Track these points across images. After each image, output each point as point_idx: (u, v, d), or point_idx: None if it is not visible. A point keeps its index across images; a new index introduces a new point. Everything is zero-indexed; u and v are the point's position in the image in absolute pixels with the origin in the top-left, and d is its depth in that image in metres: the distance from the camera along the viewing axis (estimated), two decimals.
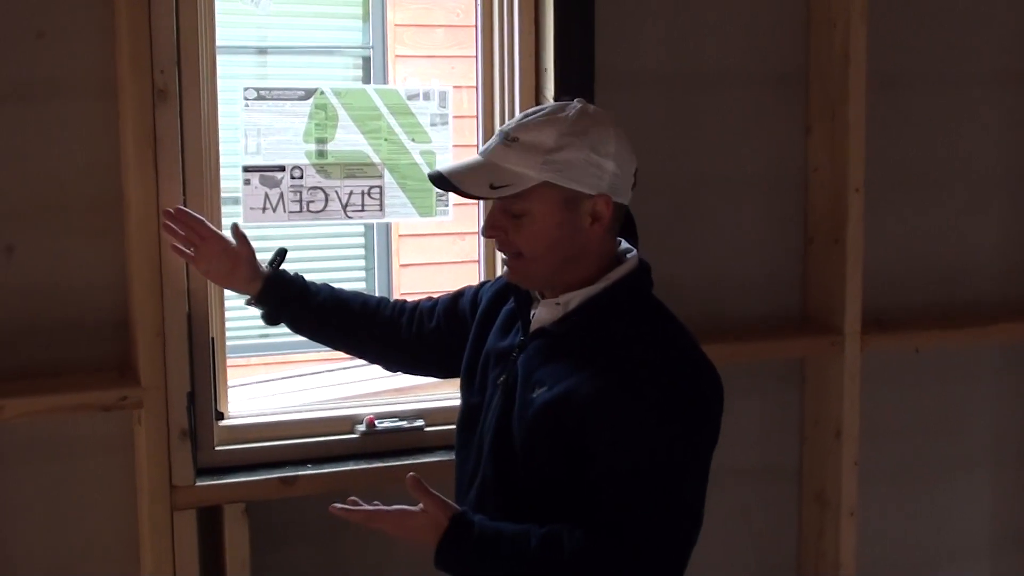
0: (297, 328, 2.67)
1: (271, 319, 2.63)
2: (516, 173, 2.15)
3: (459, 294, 2.62)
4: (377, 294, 2.97)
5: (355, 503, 2.24)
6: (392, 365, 2.77)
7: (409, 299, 2.71)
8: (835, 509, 3.40)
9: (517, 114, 2.95)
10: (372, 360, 2.77)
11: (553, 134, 2.16)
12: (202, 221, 2.62)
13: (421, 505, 2.17)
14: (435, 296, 2.67)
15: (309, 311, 2.63)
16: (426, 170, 2.97)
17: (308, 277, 2.68)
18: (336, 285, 2.70)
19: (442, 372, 2.72)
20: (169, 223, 2.61)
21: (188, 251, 2.62)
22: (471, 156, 2.25)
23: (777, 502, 3.54)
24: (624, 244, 2.33)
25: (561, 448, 2.16)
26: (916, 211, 3.58)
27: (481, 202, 3.10)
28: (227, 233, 2.64)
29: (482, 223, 2.23)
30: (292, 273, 2.64)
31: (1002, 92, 3.64)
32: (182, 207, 2.64)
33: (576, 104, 2.23)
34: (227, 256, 2.61)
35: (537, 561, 2.11)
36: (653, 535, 2.10)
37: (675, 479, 2.12)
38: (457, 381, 2.54)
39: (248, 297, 2.64)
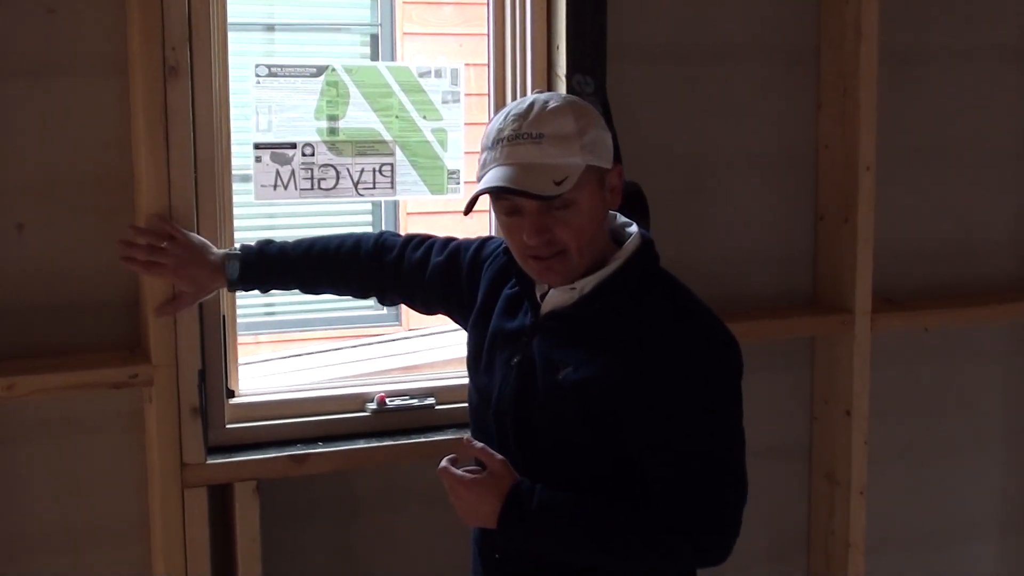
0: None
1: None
2: (565, 165, 2.12)
3: (455, 256, 2.56)
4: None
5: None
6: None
7: (383, 240, 2.67)
8: (845, 488, 3.40)
9: (529, 91, 2.96)
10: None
11: (570, 120, 2.16)
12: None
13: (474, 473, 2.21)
14: (418, 243, 2.62)
15: (287, 288, 2.69)
16: (437, 148, 2.97)
17: None
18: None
19: (422, 311, 2.72)
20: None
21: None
22: (498, 166, 2.15)
23: (787, 481, 3.54)
24: (621, 218, 2.33)
25: (591, 428, 2.18)
26: (927, 189, 3.57)
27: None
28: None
29: (525, 232, 2.15)
30: (252, 263, 2.62)
31: (1015, 67, 3.63)
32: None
33: (540, 94, 2.23)
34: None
35: (599, 530, 2.14)
36: (714, 505, 2.15)
37: (723, 446, 2.18)
38: (463, 359, 2.53)
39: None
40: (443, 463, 2.25)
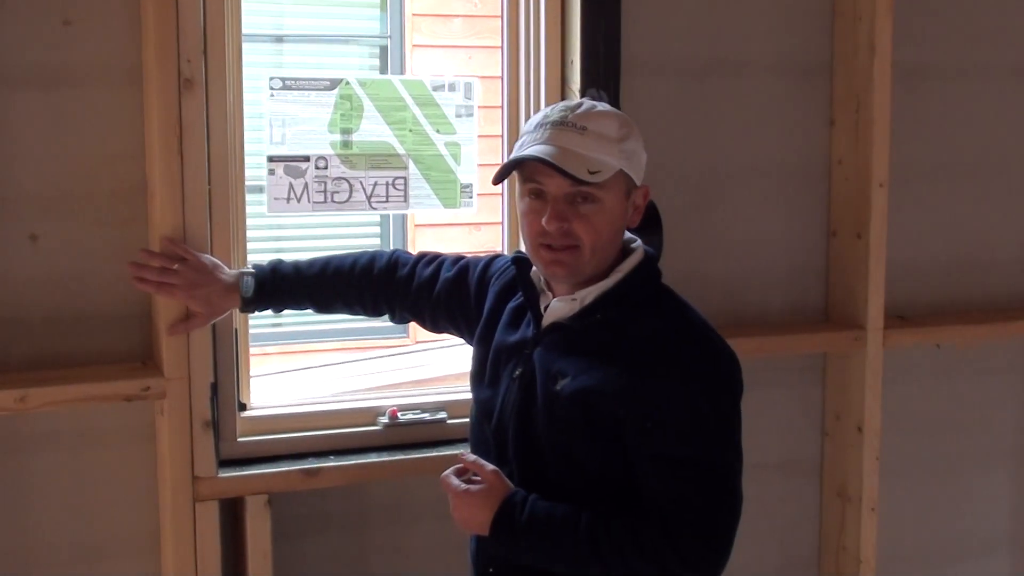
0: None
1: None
2: (602, 160, 2.18)
3: (464, 272, 2.59)
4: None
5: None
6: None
7: (396, 257, 2.68)
8: (856, 504, 3.39)
9: (543, 106, 2.96)
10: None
11: (615, 125, 2.22)
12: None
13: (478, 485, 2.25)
14: (429, 261, 2.64)
15: (300, 307, 2.70)
16: (451, 162, 2.98)
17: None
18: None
19: (430, 328, 2.73)
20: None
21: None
22: (539, 144, 2.19)
23: (799, 497, 3.53)
24: (627, 234, 2.35)
25: (592, 437, 2.20)
26: (939, 205, 3.56)
27: (504, 194, 3.10)
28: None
29: (545, 214, 2.18)
30: (266, 281, 2.62)
31: None
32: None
33: (589, 100, 2.29)
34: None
35: (588, 541, 2.15)
36: (704, 517, 2.15)
37: (719, 459, 2.18)
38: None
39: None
40: (447, 471, 2.30)
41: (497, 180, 2.28)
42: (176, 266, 2.59)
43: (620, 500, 2.19)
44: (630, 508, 2.17)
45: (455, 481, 2.27)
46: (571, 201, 2.18)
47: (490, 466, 2.25)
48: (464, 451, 2.35)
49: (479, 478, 2.26)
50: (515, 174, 2.26)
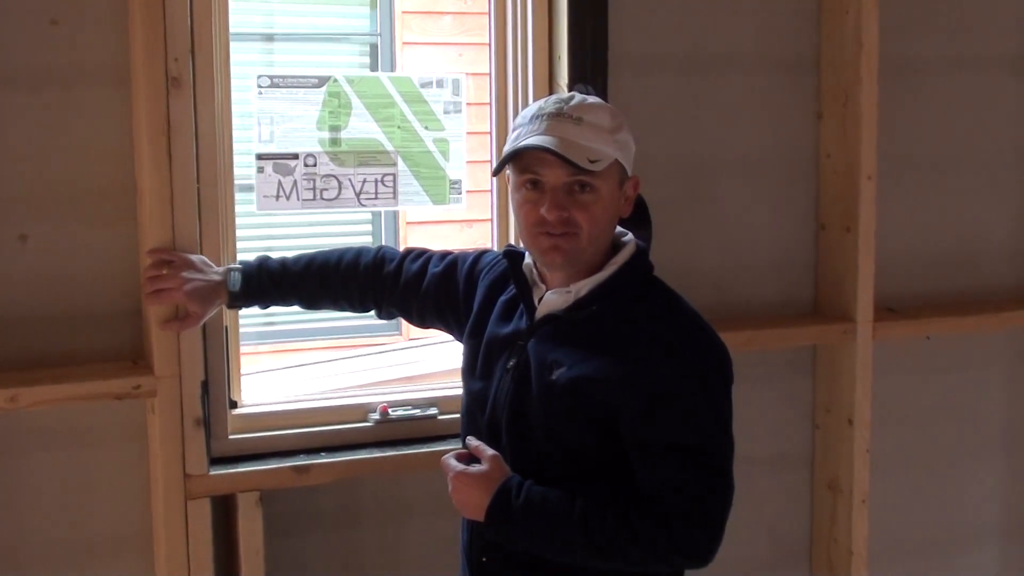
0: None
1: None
2: (599, 150, 2.22)
3: (452, 267, 2.60)
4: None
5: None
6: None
7: (383, 254, 2.70)
8: (847, 496, 3.40)
9: (531, 101, 2.96)
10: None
11: (607, 116, 2.26)
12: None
13: (481, 466, 2.28)
14: (416, 256, 2.66)
15: (286, 302, 2.71)
16: (439, 158, 2.98)
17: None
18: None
19: (417, 323, 2.74)
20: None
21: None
22: (538, 135, 2.21)
23: (789, 490, 3.54)
24: (618, 228, 2.38)
25: (586, 426, 2.23)
26: (928, 197, 3.57)
27: (494, 191, 3.11)
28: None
29: (544, 204, 2.21)
30: (253, 275, 2.64)
31: (1015, 77, 3.63)
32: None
33: (580, 92, 2.35)
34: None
35: (582, 526, 2.17)
36: (696, 502, 2.18)
37: (711, 447, 2.21)
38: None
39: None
40: (447, 455, 2.34)
41: (497, 171, 2.32)
42: (165, 271, 2.60)
43: (614, 488, 2.22)
44: (624, 495, 2.20)
45: (453, 462, 2.31)
46: (569, 191, 2.22)
47: (491, 451, 2.29)
48: (470, 438, 2.37)
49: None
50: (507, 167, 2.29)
